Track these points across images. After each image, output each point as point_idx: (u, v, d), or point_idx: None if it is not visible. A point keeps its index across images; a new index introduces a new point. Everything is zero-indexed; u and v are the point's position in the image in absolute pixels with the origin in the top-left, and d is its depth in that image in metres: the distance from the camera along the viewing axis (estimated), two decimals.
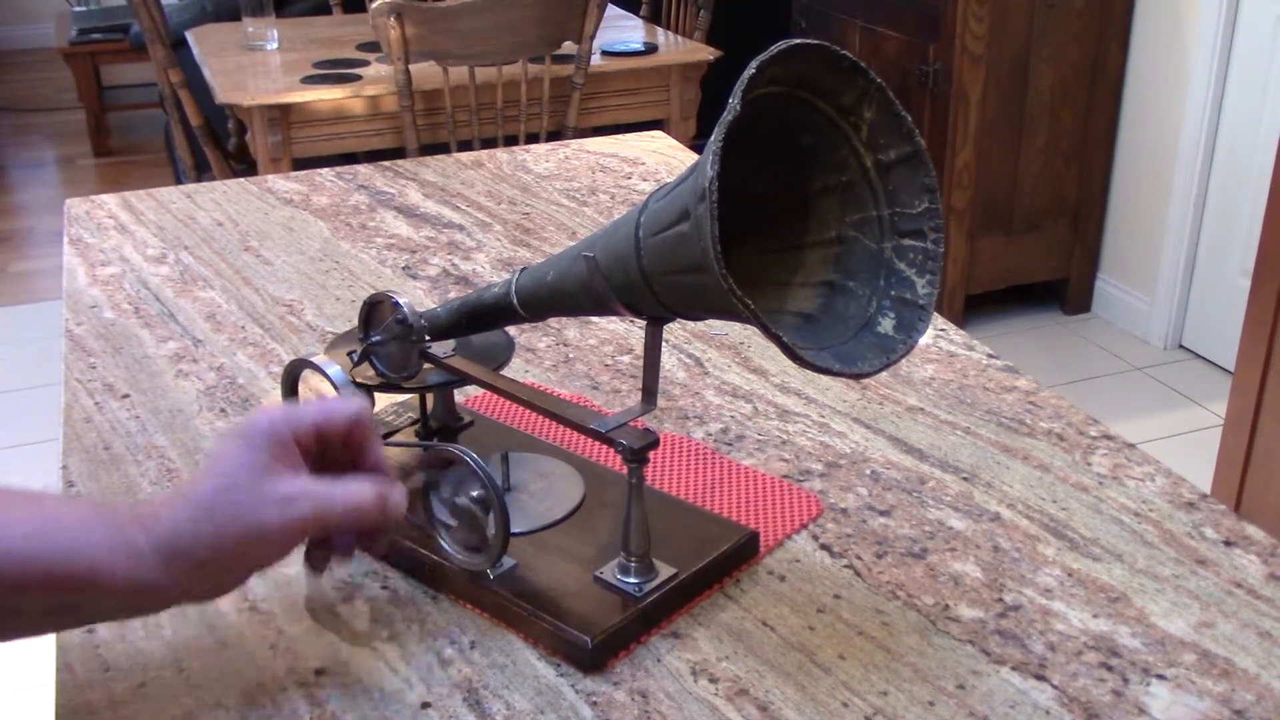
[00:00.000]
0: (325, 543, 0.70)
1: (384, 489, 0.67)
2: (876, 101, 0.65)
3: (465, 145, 2.63)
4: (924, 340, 1.08)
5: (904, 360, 1.02)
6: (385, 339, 0.80)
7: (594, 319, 1.13)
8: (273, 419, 0.66)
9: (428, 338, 0.80)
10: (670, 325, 0.94)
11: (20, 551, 0.59)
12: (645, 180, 1.50)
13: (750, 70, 0.60)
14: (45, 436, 2.76)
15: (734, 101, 0.59)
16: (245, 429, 0.66)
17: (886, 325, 0.66)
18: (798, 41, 0.62)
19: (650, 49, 2.96)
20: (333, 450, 0.69)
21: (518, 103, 2.69)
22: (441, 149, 2.55)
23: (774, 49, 0.61)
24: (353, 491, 0.66)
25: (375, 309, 0.81)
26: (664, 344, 1.03)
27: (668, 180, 0.67)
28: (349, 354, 0.82)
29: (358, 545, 0.71)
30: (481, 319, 0.79)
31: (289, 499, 0.64)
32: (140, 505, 0.65)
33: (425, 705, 0.67)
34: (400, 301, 0.79)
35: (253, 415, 0.68)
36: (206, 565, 0.63)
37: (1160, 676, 0.69)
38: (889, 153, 0.66)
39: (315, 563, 0.71)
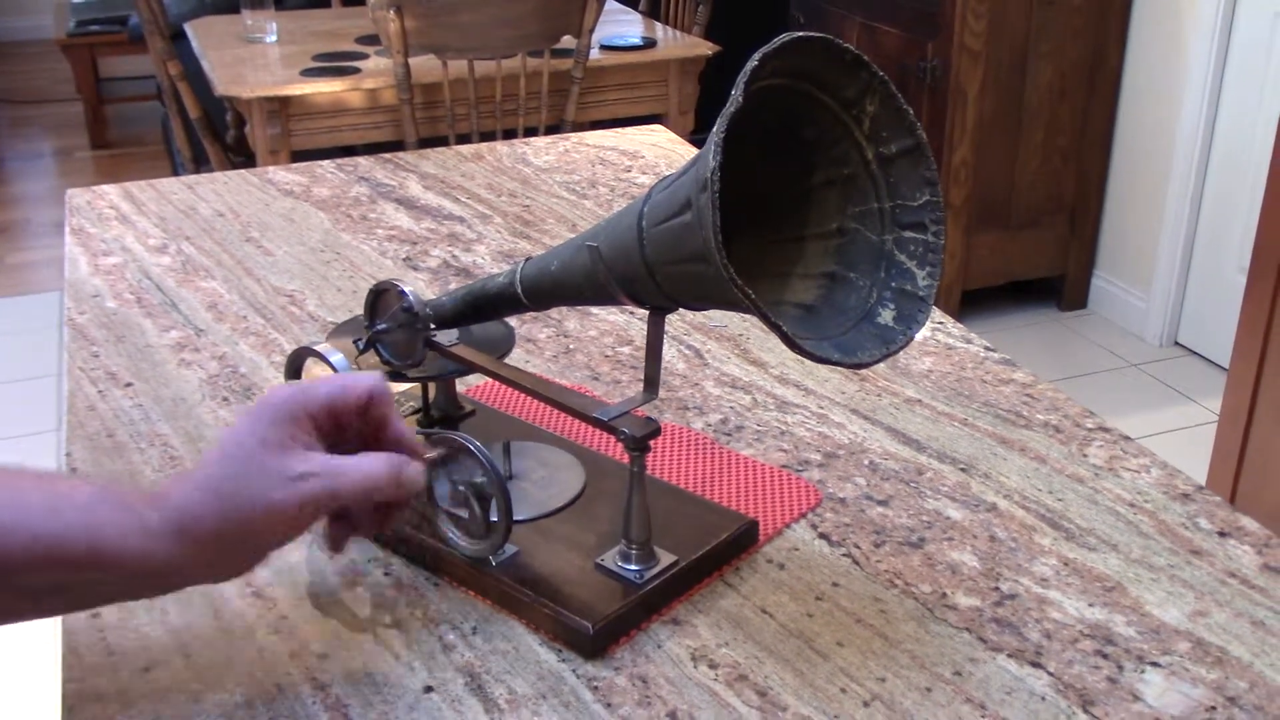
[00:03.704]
0: (345, 519, 0.69)
1: (399, 462, 0.65)
2: (879, 95, 0.66)
3: (464, 139, 2.63)
4: (922, 333, 1.09)
5: (902, 352, 1.03)
6: (391, 327, 0.81)
7: (594, 310, 1.14)
8: (285, 395, 0.65)
9: (433, 326, 0.80)
10: (670, 317, 0.95)
11: (32, 529, 0.60)
12: (645, 173, 1.50)
13: (753, 62, 0.61)
14: (42, 427, 2.77)
15: (736, 93, 0.60)
16: (257, 407, 0.65)
17: (886, 316, 0.67)
18: (801, 34, 0.62)
19: (649, 44, 2.96)
20: (351, 426, 0.67)
21: (516, 96, 2.69)
22: (440, 142, 2.55)
23: (777, 41, 0.61)
24: (366, 466, 0.64)
25: (381, 297, 0.81)
26: (664, 335, 1.03)
27: (667, 173, 0.67)
28: (354, 341, 0.83)
29: (377, 520, 0.69)
30: (486, 308, 0.79)
31: (300, 476, 0.62)
32: (151, 486, 0.64)
33: (428, 689, 0.68)
34: (406, 290, 0.79)
35: (265, 393, 0.67)
36: (217, 543, 0.62)
37: (1154, 664, 0.69)
38: (890, 146, 0.67)
39: (335, 540, 0.69)
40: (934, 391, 0.99)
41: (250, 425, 0.64)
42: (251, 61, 2.79)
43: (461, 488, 0.73)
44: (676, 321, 1.11)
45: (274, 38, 2.96)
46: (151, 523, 0.61)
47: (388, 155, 1.58)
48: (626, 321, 1.12)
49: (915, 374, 1.02)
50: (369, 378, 0.68)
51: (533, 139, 1.65)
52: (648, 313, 0.72)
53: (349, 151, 2.87)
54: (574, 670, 0.69)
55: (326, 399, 0.66)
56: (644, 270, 0.67)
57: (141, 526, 0.61)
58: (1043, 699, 0.67)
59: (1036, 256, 3.28)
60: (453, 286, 1.19)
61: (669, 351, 1.06)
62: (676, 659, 0.70)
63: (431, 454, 0.72)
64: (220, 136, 3.06)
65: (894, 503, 0.84)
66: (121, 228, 1.34)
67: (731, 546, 0.78)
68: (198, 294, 1.17)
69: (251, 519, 0.62)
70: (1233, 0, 2.84)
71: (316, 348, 0.80)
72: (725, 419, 0.95)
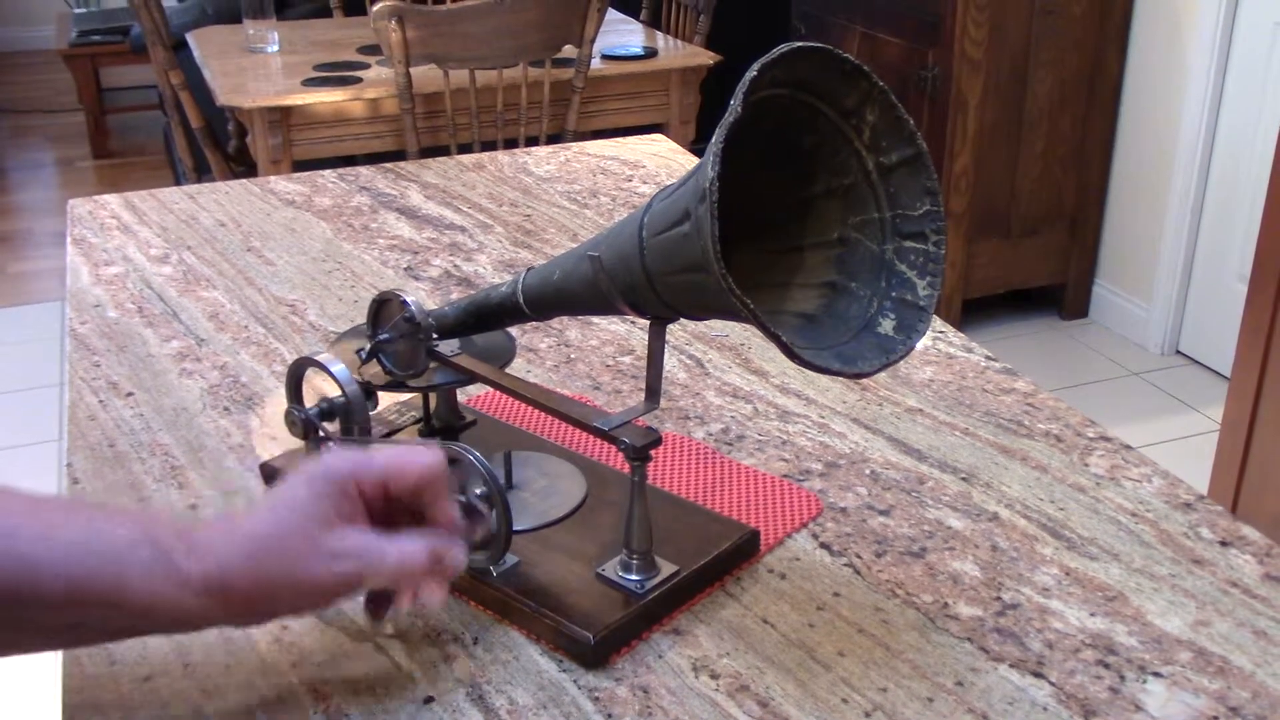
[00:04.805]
0: (384, 593, 0.69)
1: (439, 548, 0.66)
2: (879, 104, 0.66)
3: (465, 148, 2.63)
4: (923, 342, 1.09)
5: (903, 362, 1.03)
6: (393, 337, 0.81)
7: (595, 320, 1.14)
8: (341, 466, 0.66)
9: (435, 336, 0.80)
10: (671, 326, 0.95)
11: (56, 568, 0.60)
12: (646, 183, 1.50)
13: (752, 72, 0.61)
14: (43, 437, 2.77)
15: (735, 103, 0.60)
16: (314, 473, 0.66)
17: (887, 326, 0.67)
18: (800, 44, 0.62)
19: (650, 53, 2.97)
20: (402, 500, 0.68)
21: (518, 106, 2.70)
22: (441, 152, 2.55)
23: (776, 51, 0.61)
24: (404, 550, 0.65)
25: (384, 307, 0.81)
26: (665, 344, 1.03)
27: (668, 183, 0.67)
28: (357, 352, 0.83)
29: (415, 597, 0.69)
30: (488, 318, 0.80)
31: (339, 555, 0.64)
32: (192, 529, 0.64)
33: (429, 700, 0.68)
34: (408, 300, 0.80)
35: (325, 457, 0.67)
36: (246, 603, 0.64)
37: (1157, 674, 0.69)
38: (891, 155, 0.67)
39: (373, 611, 0.71)
40: (935, 401, 0.99)
41: (304, 493, 0.65)
42: (253, 71, 2.79)
43: (462, 498, 0.73)
44: (678, 331, 1.11)
45: (276, 47, 2.96)
46: (186, 574, 0.62)
47: (389, 165, 1.58)
48: (627, 331, 1.12)
49: (916, 383, 1.02)
50: (427, 455, 0.68)
51: (534, 148, 1.66)
52: (649, 323, 0.73)
53: (350, 161, 2.88)
54: (575, 680, 0.69)
55: (382, 474, 0.67)
56: (644, 280, 0.67)
57: (176, 577, 0.62)
58: (1045, 709, 0.67)
59: (1037, 265, 3.28)
60: (454, 296, 1.19)
61: (670, 361, 1.06)
62: (678, 669, 0.70)
63: (477, 534, 0.72)
64: (222, 146, 3.06)
65: (895, 512, 0.84)
66: (123, 237, 1.34)
67: (733, 556, 0.78)
68: (199, 304, 1.18)
69: (283, 587, 0.64)
70: (1233, 10, 2.84)
71: (318, 358, 0.80)
72: (726, 428, 0.95)
